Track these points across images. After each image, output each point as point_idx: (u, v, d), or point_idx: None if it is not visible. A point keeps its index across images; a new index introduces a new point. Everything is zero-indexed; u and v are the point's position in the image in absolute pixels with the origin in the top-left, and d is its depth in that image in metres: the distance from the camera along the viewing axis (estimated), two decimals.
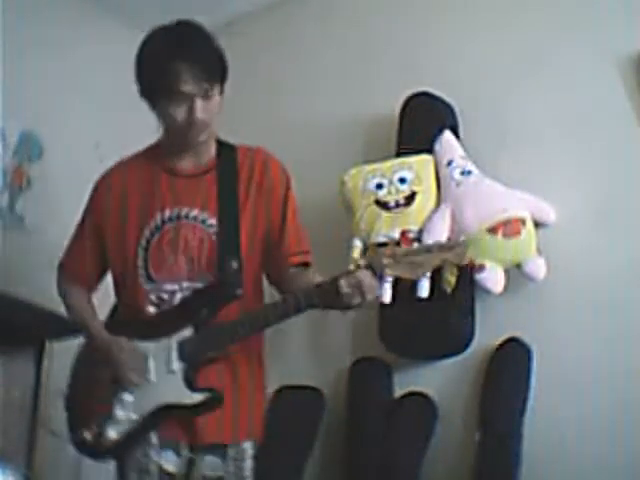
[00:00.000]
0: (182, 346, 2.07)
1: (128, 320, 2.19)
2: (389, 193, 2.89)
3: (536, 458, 2.61)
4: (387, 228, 2.86)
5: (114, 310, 2.29)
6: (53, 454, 2.98)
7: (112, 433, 2.09)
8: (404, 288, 2.77)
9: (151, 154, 2.26)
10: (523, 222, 2.73)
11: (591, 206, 2.76)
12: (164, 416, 2.08)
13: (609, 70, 2.79)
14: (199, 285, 2.11)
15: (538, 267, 2.72)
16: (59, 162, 3.44)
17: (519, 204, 2.76)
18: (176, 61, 2.07)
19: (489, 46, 3.07)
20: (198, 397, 2.06)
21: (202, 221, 2.14)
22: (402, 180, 2.89)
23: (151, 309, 2.14)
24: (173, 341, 2.08)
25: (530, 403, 2.67)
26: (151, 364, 2.08)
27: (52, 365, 2.78)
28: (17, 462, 2.64)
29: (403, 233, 2.84)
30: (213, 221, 2.13)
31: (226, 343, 2.08)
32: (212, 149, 2.22)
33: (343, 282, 1.93)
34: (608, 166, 2.75)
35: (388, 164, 2.94)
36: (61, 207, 3.42)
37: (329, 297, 1.96)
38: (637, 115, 2.73)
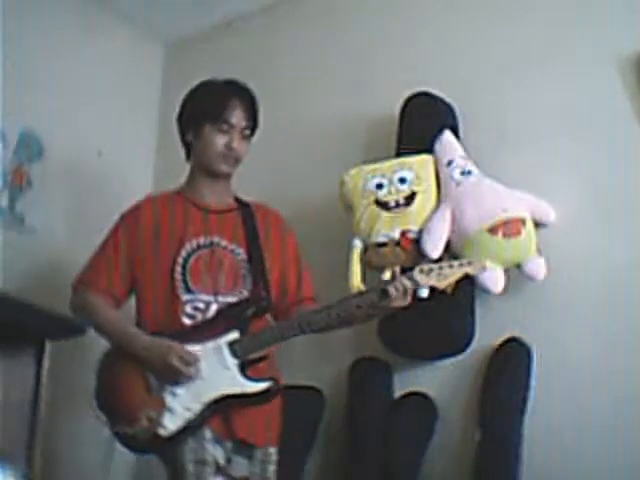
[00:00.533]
0: (232, 346, 2.31)
1: (162, 331, 2.36)
2: (389, 193, 2.89)
3: (536, 458, 2.60)
4: (387, 228, 2.86)
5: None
6: (53, 454, 2.98)
7: (170, 423, 2.25)
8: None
9: (179, 192, 2.57)
10: (523, 222, 2.73)
11: (591, 206, 2.76)
12: (223, 406, 2.28)
13: (609, 70, 2.79)
14: (234, 299, 2.41)
15: (538, 267, 2.72)
16: (59, 162, 3.44)
17: (519, 204, 2.76)
18: (233, 96, 2.49)
19: (489, 46, 3.07)
20: (261, 385, 2.30)
21: (231, 250, 2.47)
22: (402, 180, 2.89)
23: (186, 320, 2.39)
24: (222, 342, 2.32)
25: (530, 403, 2.67)
26: (202, 364, 2.29)
27: (52, 365, 2.78)
28: (17, 462, 2.64)
29: (403, 233, 2.84)
30: (240, 251, 2.47)
31: (276, 341, 2.34)
32: (231, 195, 2.59)
33: (390, 286, 2.27)
34: (608, 166, 2.75)
35: (388, 164, 2.94)
36: (61, 207, 3.43)
37: (376, 300, 2.29)
38: (637, 115, 2.73)
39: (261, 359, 2.34)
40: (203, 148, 2.49)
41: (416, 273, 2.31)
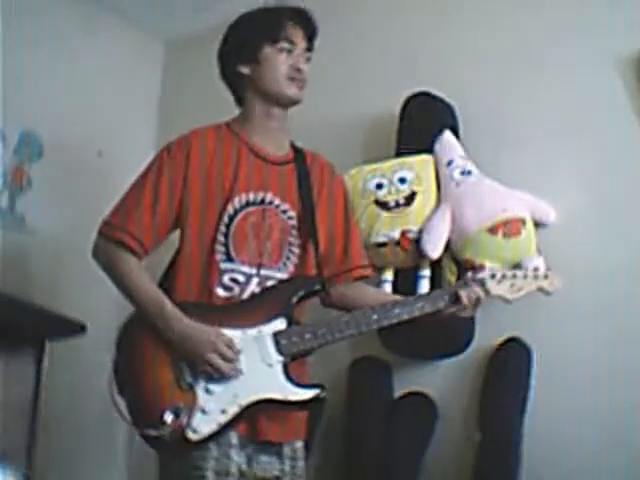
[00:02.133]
0: (277, 338, 2.03)
1: (197, 303, 2.08)
2: (389, 193, 2.89)
3: (536, 458, 2.60)
4: (387, 228, 2.86)
5: (165, 285, 2.14)
6: (53, 454, 2.98)
7: (203, 426, 1.95)
8: (404, 288, 2.77)
9: (232, 129, 2.25)
10: (523, 222, 2.73)
11: (591, 206, 2.76)
12: (261, 410, 2.01)
13: (609, 70, 2.79)
14: (276, 274, 2.14)
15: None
16: (59, 162, 3.44)
17: (519, 204, 2.76)
18: (288, 13, 2.22)
19: (489, 46, 3.07)
20: (308, 393, 2.02)
21: (283, 211, 2.19)
22: (402, 180, 2.89)
23: (220, 292, 2.10)
24: (266, 333, 2.03)
25: (530, 403, 2.67)
26: (242, 355, 2.00)
27: (52, 365, 2.78)
28: (17, 462, 2.64)
29: (403, 233, 2.84)
30: (292, 213, 2.19)
31: (332, 340, 2.06)
32: (288, 139, 2.30)
33: (463, 292, 2.11)
34: (608, 166, 2.75)
35: (388, 164, 2.94)
36: (61, 207, 3.43)
37: (444, 306, 2.13)
38: (637, 115, 2.73)
39: (304, 354, 2.08)
40: (267, 74, 2.19)
41: (487, 279, 2.15)
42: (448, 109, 3.01)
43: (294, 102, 2.24)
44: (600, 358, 2.63)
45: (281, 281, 2.14)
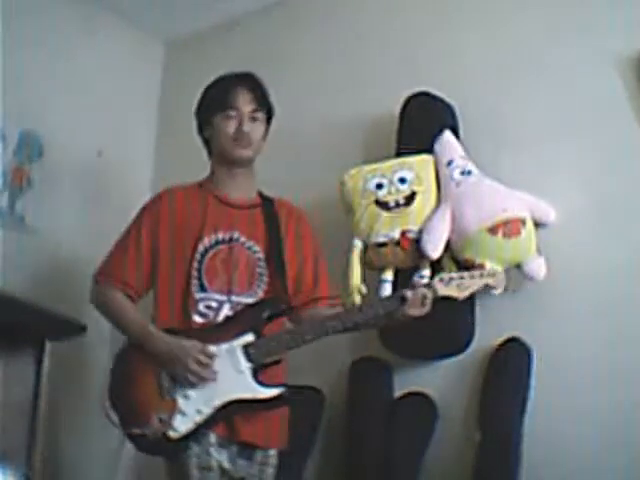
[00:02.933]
0: (247, 349, 2.31)
1: (176, 330, 2.36)
2: (389, 193, 2.89)
3: (536, 458, 2.60)
4: (387, 228, 2.86)
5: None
6: (53, 454, 2.98)
7: (181, 426, 2.25)
8: (404, 288, 2.77)
9: (200, 187, 2.57)
10: (523, 222, 2.73)
11: (591, 206, 2.76)
12: (233, 411, 2.28)
13: (609, 70, 2.79)
14: (247, 300, 2.41)
15: (538, 267, 2.72)
16: (59, 162, 3.44)
17: (519, 204, 2.76)
18: (235, 83, 2.53)
19: (489, 46, 3.07)
20: (273, 391, 2.30)
21: (249, 247, 2.47)
22: (402, 180, 2.89)
23: (197, 318, 2.39)
24: (236, 345, 2.32)
25: (530, 403, 2.67)
26: (215, 365, 2.29)
27: (52, 365, 2.78)
28: (17, 462, 2.64)
29: (403, 233, 2.84)
30: (258, 248, 2.47)
31: (294, 346, 2.34)
32: (254, 189, 2.59)
33: (409, 294, 2.32)
34: (608, 166, 2.75)
35: (388, 164, 2.94)
36: (61, 207, 3.43)
37: (394, 308, 2.33)
38: (637, 115, 2.73)
39: (275, 363, 2.35)
40: (218, 138, 2.50)
41: (436, 282, 2.34)
42: (448, 109, 3.01)
43: (242, 161, 2.52)
44: (600, 358, 2.63)
45: (251, 304, 2.41)
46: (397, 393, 2.94)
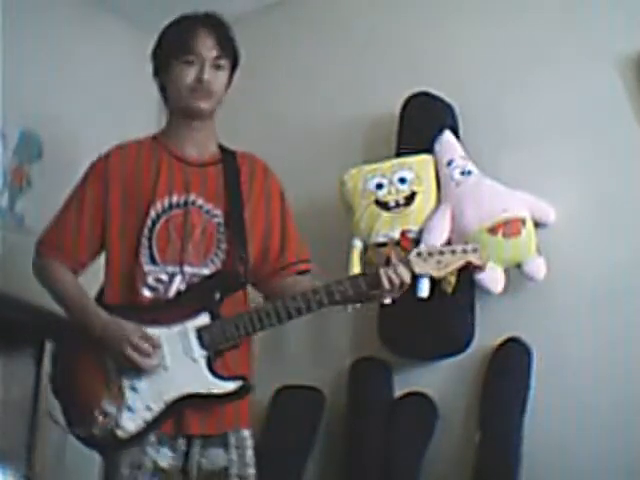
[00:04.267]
0: (200, 333, 2.07)
1: (123, 305, 2.14)
2: (389, 193, 2.89)
3: (536, 458, 2.60)
4: (387, 228, 2.86)
5: (100, 294, 2.22)
6: (53, 454, 2.98)
7: (129, 424, 2.02)
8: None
9: (155, 140, 2.31)
10: (523, 222, 2.73)
11: (591, 206, 2.76)
12: (186, 405, 2.05)
13: (609, 70, 2.79)
14: (202, 271, 2.16)
15: (538, 267, 2.72)
16: (59, 162, 3.43)
17: (519, 204, 2.76)
18: (197, 25, 2.23)
19: (489, 46, 3.07)
20: (230, 386, 2.06)
21: (207, 211, 2.20)
22: (402, 180, 2.89)
23: (146, 292, 2.14)
24: (189, 328, 2.07)
25: (530, 403, 2.67)
26: (166, 350, 2.05)
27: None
28: (17, 462, 2.64)
29: (403, 233, 2.84)
30: (217, 212, 2.20)
31: (253, 331, 2.08)
32: (214, 144, 2.31)
33: (383, 273, 2.02)
34: (608, 166, 2.75)
35: (388, 164, 2.94)
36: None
37: (370, 287, 2.04)
38: (637, 115, 2.73)
39: (232, 347, 2.09)
40: (173, 86, 2.23)
41: (413, 257, 2.06)
42: (448, 109, 3.01)
43: (201, 113, 2.24)
44: (600, 358, 2.63)
45: (205, 277, 2.15)
46: (397, 393, 2.93)
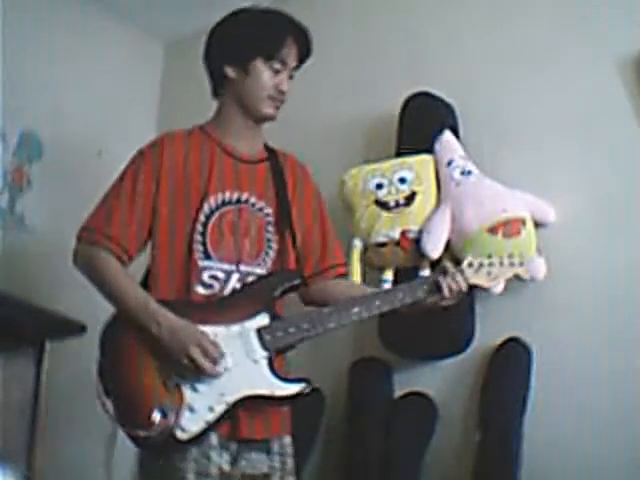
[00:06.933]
0: (261, 333, 2.04)
1: (173, 300, 2.08)
2: (389, 193, 2.89)
3: (536, 458, 2.60)
4: (387, 228, 2.86)
5: (145, 288, 2.14)
6: (53, 454, 2.98)
7: (190, 425, 1.95)
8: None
9: (203, 131, 2.27)
10: (523, 222, 2.73)
11: (591, 206, 2.76)
12: (247, 407, 2.02)
13: (609, 70, 2.79)
14: (255, 270, 2.15)
15: (538, 267, 2.71)
16: (59, 162, 3.44)
17: (519, 204, 2.76)
18: (290, 32, 2.23)
19: (489, 46, 3.07)
20: (294, 388, 2.03)
21: (259, 208, 2.20)
22: (402, 180, 2.89)
23: (200, 289, 2.10)
24: (250, 328, 2.04)
25: (530, 403, 2.67)
26: (226, 351, 2.00)
27: (51, 365, 2.78)
28: (17, 462, 2.64)
29: (403, 233, 2.84)
30: (269, 210, 2.21)
31: (315, 333, 2.07)
32: (262, 141, 2.32)
33: (443, 281, 2.08)
34: (608, 166, 2.75)
35: (388, 164, 2.94)
36: (61, 207, 3.43)
37: (428, 294, 2.10)
38: (637, 115, 2.73)
39: (289, 348, 2.09)
40: (250, 86, 2.19)
41: (465, 267, 2.12)
42: (448, 109, 3.01)
43: (268, 119, 2.26)
44: (600, 358, 2.63)
45: (261, 276, 2.15)
46: (397, 393, 2.94)
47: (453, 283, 2.09)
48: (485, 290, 2.26)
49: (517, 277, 2.23)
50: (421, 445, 2.82)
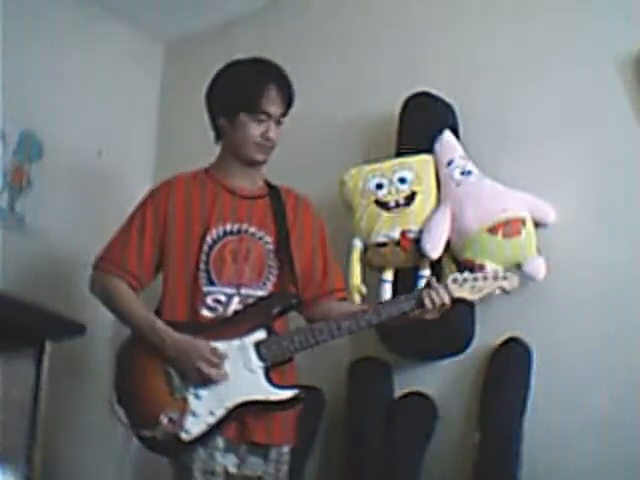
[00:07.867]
0: (258, 347, 2.26)
1: (183, 322, 2.31)
2: (389, 193, 2.89)
3: (536, 458, 2.60)
4: (387, 228, 2.86)
5: (156, 311, 2.37)
6: (53, 454, 2.98)
7: (194, 427, 2.20)
8: (404, 288, 2.77)
9: (209, 174, 2.49)
10: (523, 222, 2.73)
11: (591, 206, 2.76)
12: (245, 412, 2.23)
13: (609, 70, 2.79)
14: (256, 292, 2.36)
15: (538, 267, 2.72)
16: (59, 162, 3.44)
17: (519, 204, 2.76)
18: (269, 83, 2.40)
19: (489, 46, 3.07)
20: (286, 393, 2.26)
21: (259, 237, 2.41)
22: (402, 180, 2.89)
23: (205, 312, 2.33)
24: (248, 342, 2.26)
25: (530, 403, 2.67)
26: (226, 362, 2.23)
27: (52, 365, 2.78)
28: (17, 462, 2.64)
29: (403, 233, 2.84)
30: (269, 239, 2.41)
31: (307, 346, 2.28)
32: (261, 179, 2.52)
33: (426, 294, 2.26)
34: (608, 166, 2.75)
35: (388, 164, 2.94)
36: (61, 207, 3.43)
37: (409, 309, 2.28)
38: (637, 115, 2.73)
39: (287, 360, 2.31)
40: (238, 137, 2.40)
41: (450, 283, 2.28)
42: (448, 109, 3.01)
43: (258, 165, 2.46)
44: (600, 358, 2.63)
45: (261, 298, 2.36)
46: (397, 393, 2.94)
47: (437, 297, 2.25)
48: (469, 301, 2.36)
49: (502, 290, 2.34)
50: (421, 445, 2.82)
